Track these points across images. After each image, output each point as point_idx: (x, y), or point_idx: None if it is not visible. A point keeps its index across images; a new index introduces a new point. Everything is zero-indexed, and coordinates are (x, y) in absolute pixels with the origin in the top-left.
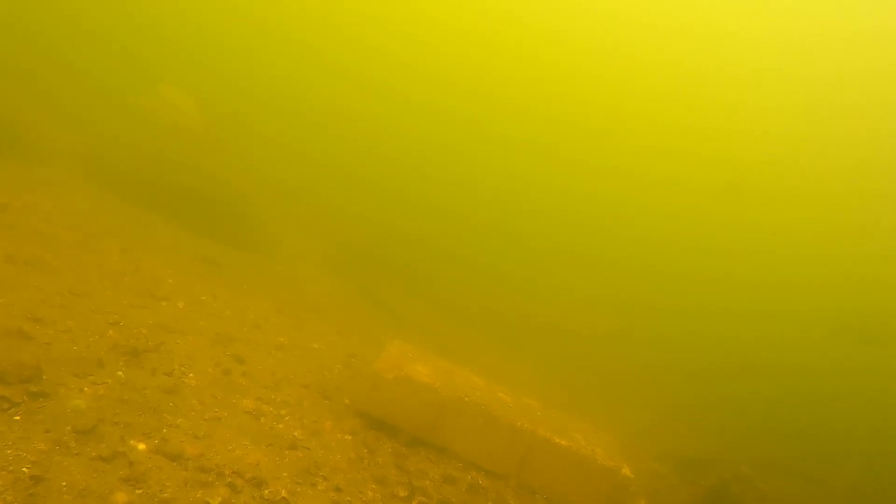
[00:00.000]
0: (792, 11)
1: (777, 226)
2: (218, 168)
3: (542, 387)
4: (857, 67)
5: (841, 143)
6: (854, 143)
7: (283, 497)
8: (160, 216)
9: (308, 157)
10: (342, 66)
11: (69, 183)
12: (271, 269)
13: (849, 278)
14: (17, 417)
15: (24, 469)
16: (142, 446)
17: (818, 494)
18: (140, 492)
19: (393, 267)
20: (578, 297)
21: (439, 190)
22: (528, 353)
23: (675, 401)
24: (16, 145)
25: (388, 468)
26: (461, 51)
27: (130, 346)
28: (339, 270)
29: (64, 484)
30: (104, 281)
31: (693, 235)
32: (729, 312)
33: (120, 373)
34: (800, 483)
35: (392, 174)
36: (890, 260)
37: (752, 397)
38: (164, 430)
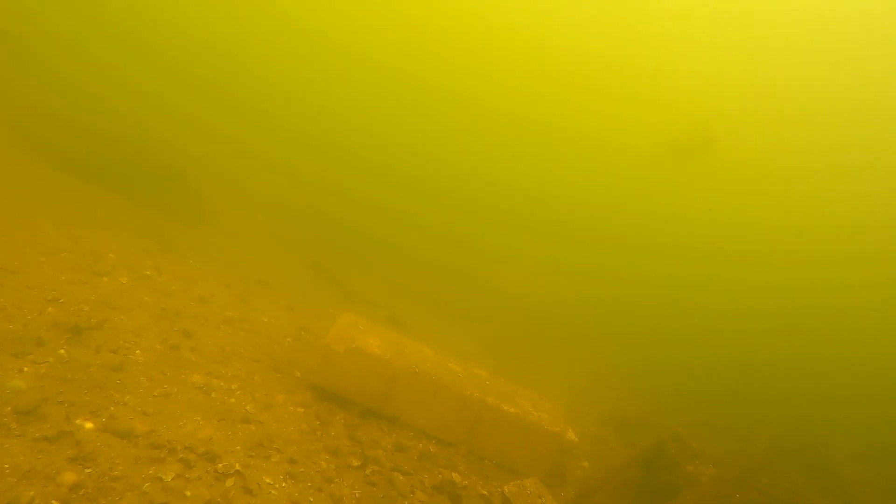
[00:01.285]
0: None
1: (717, 195)
2: (160, 139)
3: (490, 356)
4: (803, 39)
5: (795, 121)
6: (807, 122)
7: (238, 470)
8: (98, 189)
9: (255, 132)
10: (283, 33)
11: None
12: (217, 242)
13: (781, 251)
14: None
15: None
16: (89, 425)
17: (743, 449)
18: (89, 471)
19: (342, 240)
20: (524, 267)
21: (387, 163)
22: (477, 323)
23: (617, 367)
24: None
25: (340, 439)
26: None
27: (72, 323)
28: (287, 244)
29: (6, 466)
30: (39, 257)
31: (637, 202)
32: (667, 280)
33: (62, 351)
34: (728, 440)
35: (340, 147)
36: (807, 233)
37: (686, 364)
38: (112, 408)
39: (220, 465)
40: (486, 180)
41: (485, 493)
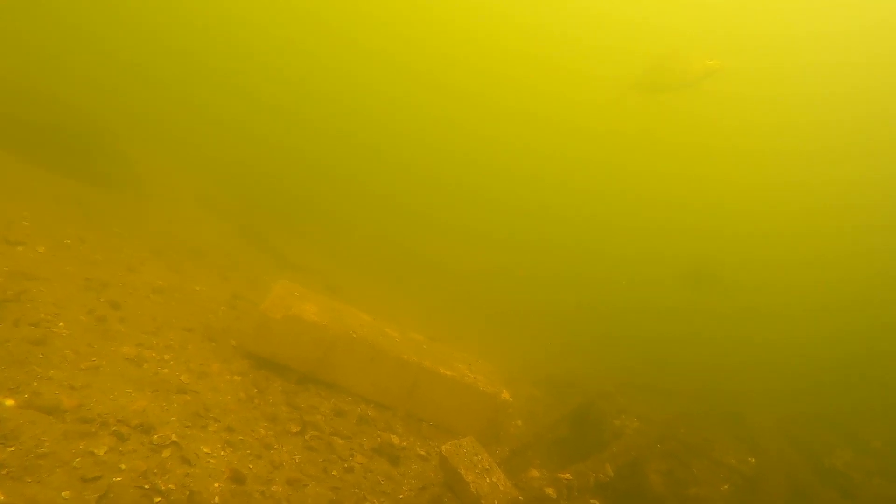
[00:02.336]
0: None
1: (646, 174)
2: (77, 100)
3: (427, 322)
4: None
5: (709, 100)
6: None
7: (174, 441)
8: (8, 152)
9: (186, 93)
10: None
11: None
12: (144, 209)
13: (697, 229)
14: None
15: None
16: (10, 402)
17: (665, 402)
18: (12, 449)
19: (277, 207)
20: (462, 236)
21: (322, 127)
22: (414, 290)
23: (550, 333)
24: None
25: (278, 406)
26: None
27: None
28: (219, 211)
29: None
30: None
31: (575, 178)
32: (600, 255)
33: None
34: (651, 396)
35: (275, 112)
36: (726, 214)
37: (615, 327)
38: (35, 384)
39: (155, 437)
40: (423, 149)
41: (423, 453)
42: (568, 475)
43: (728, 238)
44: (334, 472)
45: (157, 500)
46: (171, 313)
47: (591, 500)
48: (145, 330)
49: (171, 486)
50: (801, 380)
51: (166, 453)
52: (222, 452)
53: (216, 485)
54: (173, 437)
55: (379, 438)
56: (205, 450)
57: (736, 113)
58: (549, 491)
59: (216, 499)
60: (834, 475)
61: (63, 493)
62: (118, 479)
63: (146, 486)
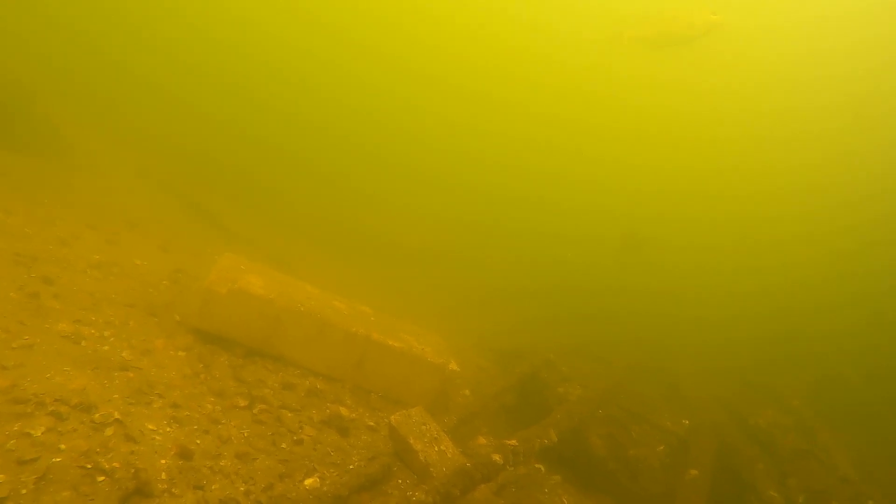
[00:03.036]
0: None
1: (578, 153)
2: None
3: (375, 295)
4: None
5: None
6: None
7: (117, 419)
8: None
9: (121, 63)
10: None
11: None
12: (77, 180)
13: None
14: None
15: None
16: None
17: (605, 370)
18: None
19: (220, 179)
20: (410, 211)
21: (269, 100)
22: (362, 262)
23: (497, 306)
24: None
25: (225, 381)
26: None
27: None
28: (160, 183)
29: None
30: None
31: (518, 158)
32: (542, 229)
33: None
34: (592, 364)
35: (217, 81)
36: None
37: (559, 298)
38: None
39: (96, 416)
40: (374, 124)
41: (372, 423)
42: (514, 441)
43: (671, 211)
44: (283, 445)
45: (101, 479)
46: (109, 288)
47: (537, 465)
48: (82, 306)
49: (116, 464)
50: (731, 348)
51: (109, 432)
52: (168, 429)
53: (163, 461)
54: (116, 415)
55: (328, 410)
56: (150, 427)
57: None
58: (496, 457)
59: (163, 475)
60: (757, 432)
61: None
62: (58, 459)
63: (88, 466)
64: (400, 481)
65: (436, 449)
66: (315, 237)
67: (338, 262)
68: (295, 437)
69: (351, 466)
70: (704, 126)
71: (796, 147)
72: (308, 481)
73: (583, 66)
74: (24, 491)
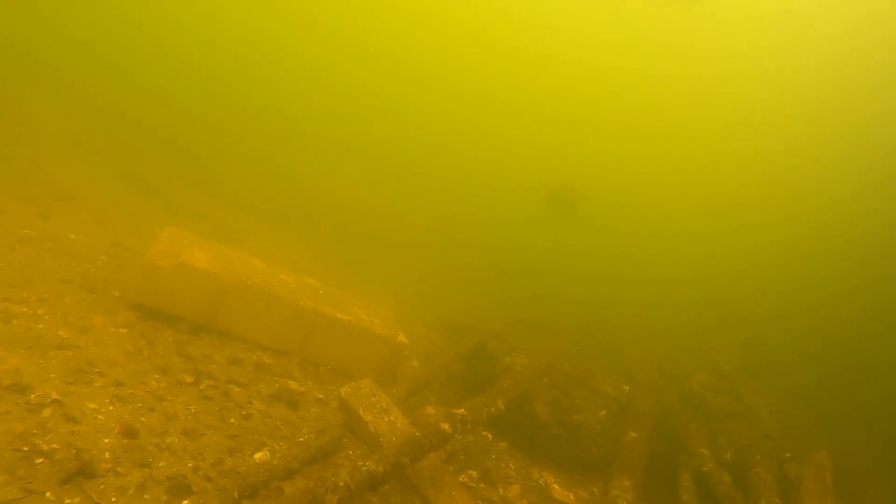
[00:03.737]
0: None
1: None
2: None
3: (322, 266)
4: None
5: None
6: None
7: (55, 399)
8: None
9: (52, 30)
10: None
11: None
12: (4, 148)
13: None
14: None
15: None
16: None
17: (550, 340)
18: None
19: (158, 149)
20: (358, 185)
21: (212, 67)
22: (308, 233)
23: (444, 276)
24: None
25: (170, 357)
26: None
27: None
28: (95, 153)
29: None
30: None
31: (468, 112)
32: (493, 192)
33: None
34: (539, 333)
35: (153, 49)
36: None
37: (504, 268)
38: None
39: (32, 396)
40: (310, 83)
41: (321, 396)
42: (462, 411)
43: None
44: (232, 420)
45: (40, 461)
46: (42, 264)
47: (484, 433)
48: (12, 283)
49: (55, 445)
50: (670, 314)
51: (47, 412)
52: (111, 407)
53: (106, 440)
54: (54, 396)
55: (277, 384)
56: (91, 406)
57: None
58: (445, 426)
59: (107, 455)
60: (692, 396)
61: None
62: None
63: (25, 448)
64: (350, 452)
65: (385, 420)
66: (262, 211)
67: (285, 235)
68: (243, 412)
69: (301, 439)
70: (638, 86)
71: (734, 114)
72: (258, 455)
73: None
74: None
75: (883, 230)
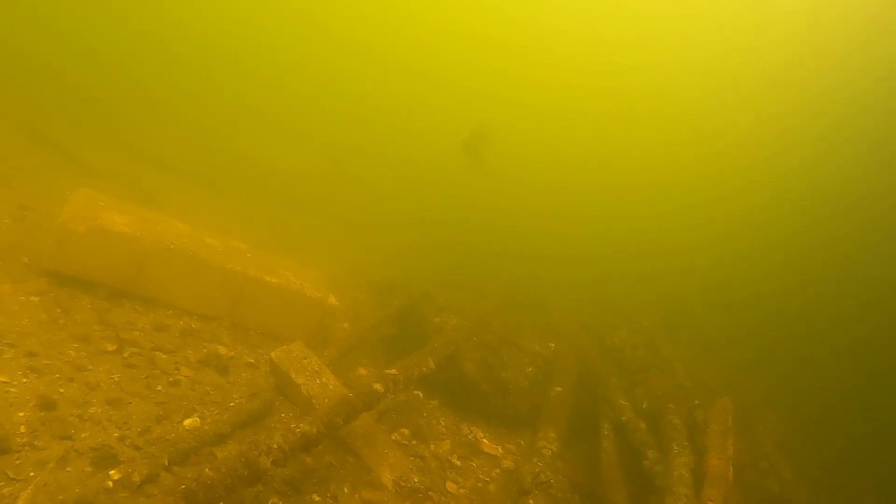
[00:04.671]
0: None
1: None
2: None
3: (249, 230)
4: None
5: None
6: None
7: None
8: None
9: None
10: None
11: None
12: None
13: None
14: None
15: None
16: None
17: (481, 301)
18: None
19: (66, 104)
20: (283, 142)
21: (128, 17)
22: (234, 194)
23: (373, 237)
24: None
25: (89, 325)
26: None
27: None
28: None
29: None
30: None
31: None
32: (419, 162)
33: None
34: (469, 295)
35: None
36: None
37: (435, 230)
38: None
39: None
40: (234, 40)
41: (252, 361)
42: (394, 371)
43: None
44: (159, 388)
45: None
46: None
47: (416, 392)
48: None
49: None
50: (592, 270)
51: None
52: (24, 380)
53: (21, 414)
54: None
55: (205, 350)
56: (2, 379)
57: None
58: (377, 386)
59: (22, 429)
60: (613, 350)
61: None
62: None
63: None
64: (283, 415)
65: (317, 382)
66: (184, 172)
67: (210, 198)
68: (171, 379)
69: (232, 404)
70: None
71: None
72: (187, 421)
73: None
74: None
75: (785, 194)
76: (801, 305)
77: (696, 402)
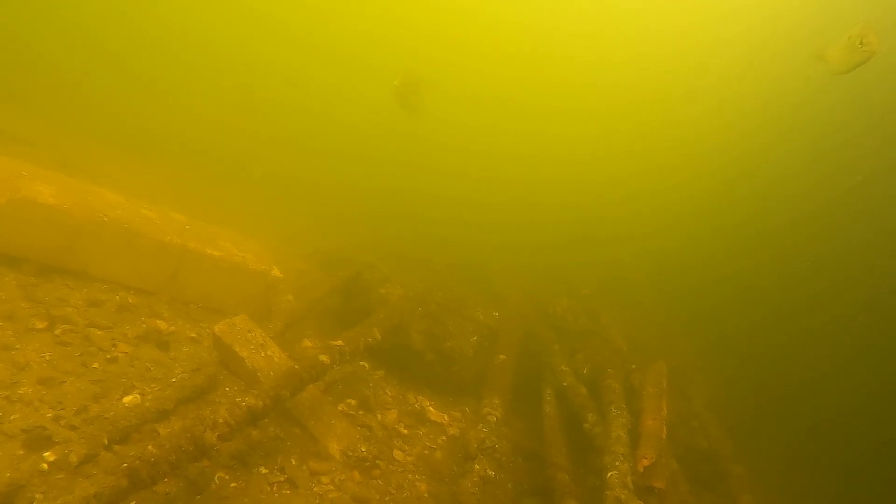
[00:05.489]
0: None
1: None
2: None
3: (187, 201)
4: None
5: None
6: None
7: None
8: None
9: None
10: None
11: None
12: None
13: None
14: None
15: None
16: None
17: (426, 271)
18: None
19: None
20: (221, 107)
21: None
22: (170, 163)
23: (315, 208)
24: None
25: (15, 302)
26: None
27: None
28: None
29: None
30: None
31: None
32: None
33: None
34: (414, 265)
35: None
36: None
37: (378, 202)
38: None
39: None
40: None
41: (193, 335)
42: (340, 342)
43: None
44: (95, 365)
45: None
46: None
47: (362, 363)
48: None
49: None
50: (537, 238)
51: None
52: None
53: None
54: None
55: (144, 325)
56: None
57: None
58: (324, 358)
59: None
60: (555, 318)
61: None
62: None
63: None
64: (228, 389)
65: (262, 355)
66: (114, 138)
67: (141, 165)
68: (108, 356)
69: (174, 380)
70: None
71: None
72: (127, 399)
73: None
74: None
75: (720, 169)
76: (732, 272)
77: (634, 366)
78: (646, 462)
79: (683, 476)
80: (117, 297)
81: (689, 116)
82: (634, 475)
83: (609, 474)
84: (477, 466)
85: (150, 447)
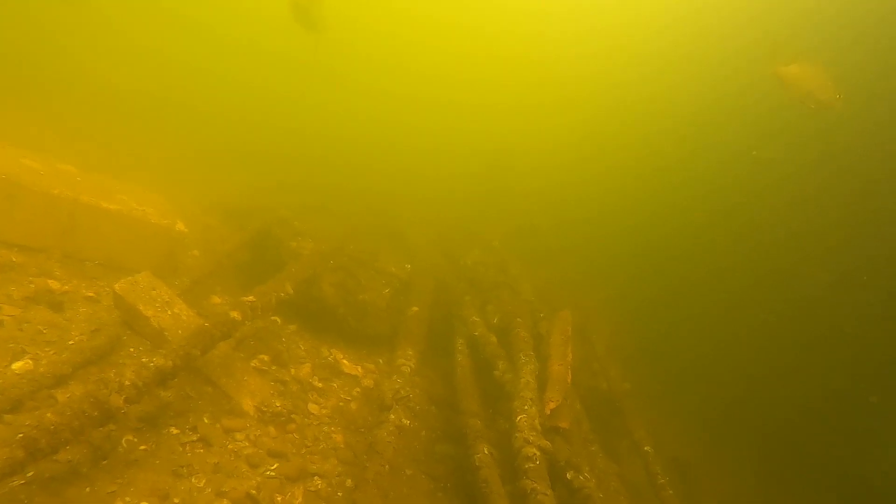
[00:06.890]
0: None
1: None
2: None
3: (77, 151)
4: None
5: None
6: None
7: None
8: None
9: None
10: None
11: None
12: None
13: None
14: None
15: None
16: None
17: (337, 225)
18: None
19: None
20: (120, 49)
21: None
22: (56, 110)
23: (221, 157)
24: None
25: None
26: None
27: None
28: None
29: None
30: None
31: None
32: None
33: None
34: (325, 219)
35: None
36: None
37: (287, 151)
38: None
39: None
40: None
41: (91, 294)
42: (251, 298)
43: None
44: None
45: None
46: None
47: (274, 318)
48: None
49: None
50: (447, 189)
51: None
52: None
53: None
54: None
55: (32, 285)
56: None
57: None
58: (235, 314)
59: None
60: (466, 270)
61: None
62: None
63: None
64: (132, 350)
65: (169, 313)
66: None
67: (21, 112)
68: None
69: (71, 342)
70: None
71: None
72: (17, 365)
73: None
74: None
75: (635, 122)
76: (637, 223)
77: (541, 314)
78: (552, 405)
79: (586, 416)
80: None
81: (599, 68)
82: (542, 417)
83: (518, 417)
84: (392, 416)
85: (49, 415)
